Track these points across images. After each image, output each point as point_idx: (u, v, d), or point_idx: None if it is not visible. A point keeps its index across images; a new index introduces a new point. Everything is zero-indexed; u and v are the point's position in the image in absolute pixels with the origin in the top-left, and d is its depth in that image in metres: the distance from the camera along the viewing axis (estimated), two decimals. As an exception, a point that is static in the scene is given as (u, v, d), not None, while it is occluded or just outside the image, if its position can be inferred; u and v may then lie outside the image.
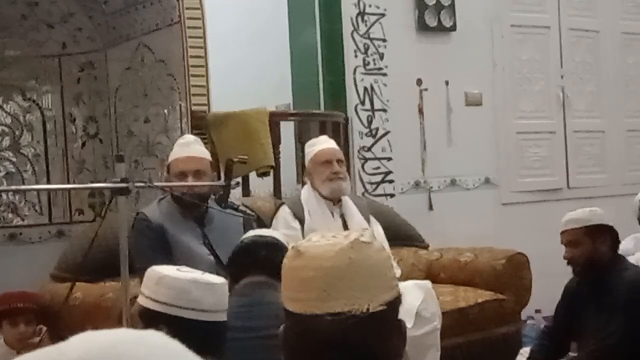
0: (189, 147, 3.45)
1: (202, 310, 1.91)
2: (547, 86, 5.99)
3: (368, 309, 1.27)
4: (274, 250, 2.63)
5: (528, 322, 4.85)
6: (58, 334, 3.29)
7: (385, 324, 1.30)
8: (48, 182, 5.20)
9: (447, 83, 5.53)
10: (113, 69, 5.11)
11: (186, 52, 4.41)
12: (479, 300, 4.15)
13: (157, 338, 0.62)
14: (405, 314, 3.64)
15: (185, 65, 4.42)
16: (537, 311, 4.86)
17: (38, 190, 5.20)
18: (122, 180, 2.57)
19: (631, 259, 3.87)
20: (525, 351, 3.57)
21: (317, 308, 1.28)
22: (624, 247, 4.23)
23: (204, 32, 4.50)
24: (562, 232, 3.27)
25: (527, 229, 5.44)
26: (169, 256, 3.26)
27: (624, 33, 6.35)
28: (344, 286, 1.28)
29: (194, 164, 3.37)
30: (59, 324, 3.43)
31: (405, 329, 1.36)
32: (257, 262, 2.56)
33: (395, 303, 1.33)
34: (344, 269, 1.29)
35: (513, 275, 4.28)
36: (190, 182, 3.30)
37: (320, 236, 1.37)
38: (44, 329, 3.54)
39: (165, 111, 4.66)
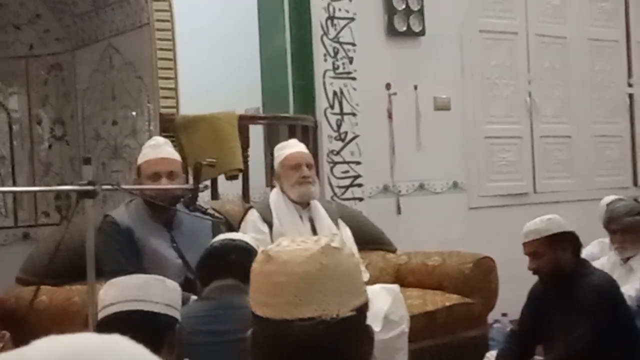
0: (161, 149, 3.43)
1: (152, 301, 1.90)
2: (516, 91, 6.04)
3: (338, 315, 1.28)
4: (244, 253, 2.63)
5: (495, 325, 4.87)
6: (23, 339, 3.24)
7: (354, 330, 1.31)
8: (14, 184, 5.14)
9: (416, 88, 5.55)
10: (81, 71, 5.08)
11: (155, 55, 4.40)
12: (447, 304, 4.17)
13: (121, 342, 0.62)
14: (373, 318, 3.67)
15: (154, 67, 4.40)
16: (504, 315, 4.88)
17: (3, 192, 5.14)
18: (89, 183, 2.55)
19: (596, 264, 3.91)
20: (491, 354, 3.58)
21: (288, 313, 1.28)
22: (590, 251, 4.28)
23: (173, 35, 4.48)
24: (524, 244, 3.28)
25: (495, 233, 5.48)
26: (137, 259, 3.24)
27: (591, 39, 6.43)
28: (315, 291, 1.28)
29: (167, 165, 3.35)
30: (25, 328, 3.39)
31: (373, 334, 1.36)
32: (227, 265, 2.55)
33: (363, 309, 1.34)
34: (315, 274, 1.29)
35: (480, 279, 4.31)
36: (164, 183, 3.28)
37: (290, 241, 1.37)
38: (7, 334, 3.49)
39: (134, 113, 4.64)
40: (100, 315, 1.90)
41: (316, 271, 1.29)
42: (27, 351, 0.58)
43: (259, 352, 1.33)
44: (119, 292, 1.89)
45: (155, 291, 1.90)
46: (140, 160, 3.41)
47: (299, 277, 1.29)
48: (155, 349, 1.77)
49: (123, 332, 1.83)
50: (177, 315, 1.94)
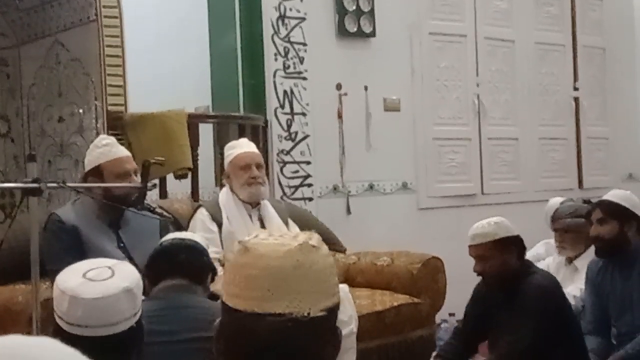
0: (119, 148, 3.43)
1: (120, 321, 1.85)
2: (464, 94, 6.10)
3: (309, 314, 1.27)
4: (194, 253, 2.61)
5: (442, 325, 4.92)
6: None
7: (323, 330, 1.30)
8: (-44, 181, 5.03)
9: (366, 88, 5.57)
10: (27, 67, 4.99)
11: (103, 51, 4.34)
12: (395, 304, 4.19)
13: (50, 343, 0.61)
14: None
15: (102, 64, 4.34)
16: (451, 314, 4.93)
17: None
18: (34, 181, 2.51)
19: (542, 264, 3.98)
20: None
21: (258, 307, 1.27)
22: (535, 252, 4.34)
23: (122, 31, 4.43)
24: (470, 247, 3.30)
25: (443, 234, 5.53)
26: (83, 259, 3.19)
27: (538, 43, 6.52)
28: (288, 288, 1.27)
29: (132, 163, 3.35)
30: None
31: (341, 336, 1.36)
32: (176, 265, 2.52)
33: (334, 310, 1.33)
34: (290, 270, 1.28)
35: (428, 279, 4.34)
36: (134, 180, 3.25)
37: (267, 234, 1.36)
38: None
39: (81, 111, 4.57)
40: (65, 327, 1.85)
41: (291, 268, 1.28)
42: None
43: (224, 343, 1.32)
44: (86, 314, 1.83)
45: (121, 306, 1.85)
46: (103, 159, 3.34)
47: (273, 271, 1.28)
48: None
49: (94, 354, 1.80)
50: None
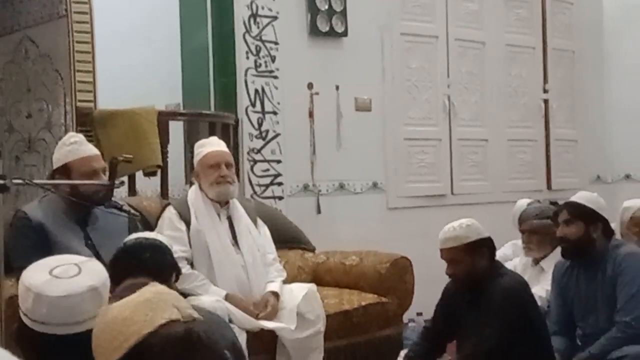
0: (87, 146, 3.41)
1: (84, 320, 1.84)
2: (435, 95, 6.13)
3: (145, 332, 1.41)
4: (158, 252, 2.60)
5: (410, 324, 4.95)
6: None
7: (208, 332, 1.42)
8: None
9: (337, 88, 5.58)
10: (-5, 62, 4.94)
11: (72, 47, 4.31)
12: (363, 303, 4.21)
13: None
14: (287, 316, 3.67)
15: (71, 60, 4.31)
16: (419, 314, 4.96)
17: None
18: (0, 177, 2.49)
19: (509, 265, 4.01)
20: (405, 353, 3.63)
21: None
22: (503, 253, 4.38)
23: (92, 28, 4.40)
24: (442, 250, 3.32)
25: (412, 234, 5.55)
26: (49, 256, 3.16)
27: (508, 45, 6.57)
28: (161, 305, 1.43)
29: (101, 162, 3.34)
30: None
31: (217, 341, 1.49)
32: (141, 264, 2.51)
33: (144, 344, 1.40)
34: (144, 301, 1.47)
35: (396, 278, 4.36)
36: (102, 179, 3.23)
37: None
38: None
39: (49, 107, 4.53)
40: (30, 324, 1.84)
41: (121, 310, 1.51)
42: None
43: None
44: (50, 312, 1.82)
45: (85, 306, 1.84)
46: (71, 157, 3.32)
47: (139, 304, 1.47)
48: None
49: (57, 352, 1.79)
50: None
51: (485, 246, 3.30)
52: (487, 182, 6.39)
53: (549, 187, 6.77)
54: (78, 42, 4.32)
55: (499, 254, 3.91)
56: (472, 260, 3.26)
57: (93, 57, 4.39)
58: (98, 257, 3.23)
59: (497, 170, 6.45)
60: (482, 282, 3.26)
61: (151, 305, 1.40)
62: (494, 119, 6.46)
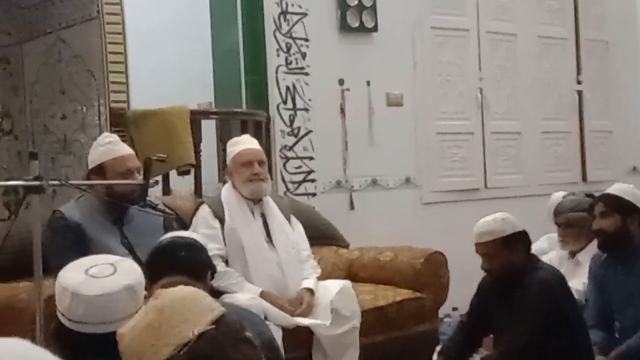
0: (122, 146, 3.44)
1: (120, 319, 1.86)
2: (467, 88, 6.09)
3: (194, 333, 1.37)
4: (193, 250, 2.62)
5: (445, 320, 4.93)
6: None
7: (222, 341, 1.39)
8: (-40, 179, 5.04)
9: (368, 83, 5.57)
10: (29, 64, 4.99)
11: (105, 48, 4.34)
12: (398, 299, 4.20)
13: (14, 343, 0.62)
14: (322, 312, 3.68)
15: (104, 61, 4.34)
16: (455, 309, 4.93)
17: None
18: (36, 178, 2.51)
19: (545, 258, 3.98)
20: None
21: None
22: (539, 246, 4.34)
23: (124, 28, 4.43)
24: (477, 244, 3.30)
25: (446, 228, 5.53)
26: (86, 256, 3.19)
27: (540, 37, 6.51)
28: (165, 331, 1.40)
29: (135, 161, 3.36)
30: (-30, 325, 3.33)
31: (245, 336, 1.47)
32: (176, 263, 2.53)
33: (224, 321, 1.43)
34: (157, 318, 1.42)
35: (431, 273, 4.34)
36: (137, 178, 3.26)
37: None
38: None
39: (84, 108, 4.57)
40: (67, 323, 1.86)
41: (157, 315, 1.44)
42: None
43: None
44: (87, 311, 1.84)
45: (121, 305, 1.85)
46: (105, 157, 3.36)
47: (147, 329, 1.44)
48: None
49: (95, 351, 1.80)
50: None
51: (521, 240, 3.28)
52: (521, 176, 6.34)
53: (584, 179, 6.70)
54: (110, 42, 4.35)
55: (535, 248, 3.87)
56: (508, 255, 3.24)
57: (125, 58, 4.42)
58: (134, 256, 3.26)
59: (532, 164, 6.40)
60: (518, 276, 3.24)
61: (156, 332, 1.43)
62: (528, 111, 6.41)
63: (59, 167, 4.75)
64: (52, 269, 2.80)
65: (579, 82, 6.72)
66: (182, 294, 1.45)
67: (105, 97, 4.37)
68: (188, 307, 1.41)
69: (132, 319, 1.50)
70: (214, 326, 1.37)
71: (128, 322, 1.85)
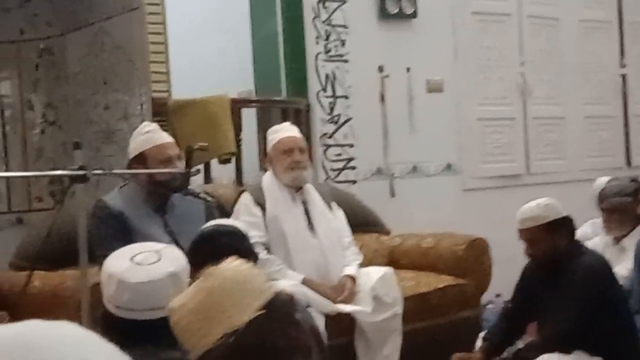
0: (161, 134, 3.46)
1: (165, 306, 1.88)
2: (508, 73, 6.03)
3: (244, 320, 1.35)
4: (235, 238, 2.64)
5: (488, 306, 4.91)
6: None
7: (272, 325, 1.38)
8: (6, 169, 5.12)
9: (408, 70, 5.54)
10: (72, 55, 5.04)
11: (146, 38, 4.37)
12: (440, 285, 4.19)
13: (68, 327, 0.63)
14: (364, 299, 3.68)
15: (146, 51, 4.38)
16: (497, 295, 4.91)
17: (-4, 178, 5.12)
18: (80, 168, 2.55)
19: (589, 244, 3.93)
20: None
21: (204, 345, 1.38)
22: (582, 232, 4.29)
23: (164, 19, 4.47)
24: (520, 230, 3.28)
25: (488, 215, 5.49)
26: (130, 244, 3.23)
27: (582, 21, 6.42)
28: (214, 315, 1.38)
29: (175, 149, 3.38)
30: (18, 313, 3.39)
31: (295, 319, 1.45)
32: (218, 250, 2.54)
33: (275, 303, 1.41)
34: (206, 301, 1.40)
35: (474, 260, 4.32)
36: (177, 166, 3.29)
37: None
38: (6, 316, 3.49)
39: (126, 98, 4.61)
40: (113, 310, 1.89)
41: (206, 298, 1.39)
42: None
43: None
44: (132, 297, 1.87)
45: (165, 292, 1.88)
46: (146, 146, 3.38)
47: (196, 311, 1.42)
48: (171, 345, 1.76)
49: (141, 337, 1.81)
50: None
51: (565, 225, 3.25)
52: (564, 161, 6.27)
53: (628, 164, 6.60)
54: (151, 33, 4.39)
55: (579, 233, 3.84)
56: (552, 240, 3.21)
57: (166, 48, 4.46)
58: (176, 243, 3.28)
59: (574, 149, 6.32)
60: (562, 261, 3.21)
61: (205, 315, 1.42)
62: (570, 96, 6.33)
63: (102, 156, 4.80)
64: (96, 258, 2.85)
65: (622, 66, 6.62)
66: (234, 275, 1.43)
67: (147, 87, 4.41)
68: (239, 290, 1.39)
69: (183, 293, 1.48)
70: (264, 311, 1.37)
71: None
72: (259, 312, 1.38)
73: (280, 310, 1.44)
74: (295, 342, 1.41)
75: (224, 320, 1.38)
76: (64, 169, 2.71)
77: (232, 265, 1.47)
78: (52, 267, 3.61)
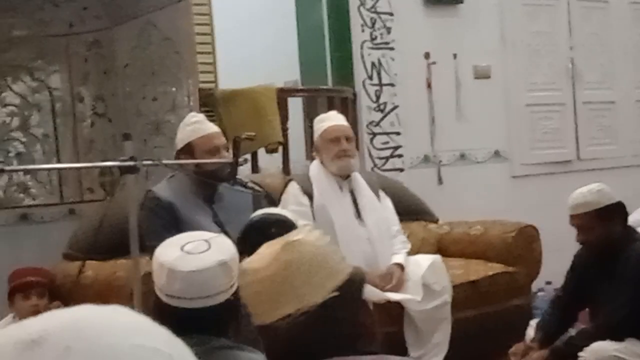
0: (208, 124, 3.48)
1: (216, 293, 1.90)
2: (557, 58, 5.95)
3: (317, 302, 1.31)
4: (284, 227, 2.64)
5: (539, 294, 4.85)
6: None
7: (343, 308, 1.34)
8: (58, 161, 5.21)
9: (455, 56, 5.49)
10: (120, 48, 5.10)
11: (193, 30, 4.40)
12: (490, 273, 4.16)
13: (122, 312, 0.63)
14: (413, 287, 3.67)
15: (192, 42, 4.41)
16: (548, 283, 4.85)
17: (48, 170, 5.22)
18: (130, 159, 2.58)
19: (641, 230, 3.87)
20: (535, 323, 3.57)
21: (271, 317, 1.34)
22: (635, 218, 4.22)
23: (210, 9, 4.49)
24: (572, 216, 3.23)
25: (538, 202, 5.44)
26: (179, 234, 3.27)
27: (632, 3, 6.29)
28: (287, 289, 1.34)
29: (222, 138, 3.41)
30: (71, 302, 3.45)
31: (367, 305, 1.41)
32: (267, 239, 2.55)
33: (349, 285, 1.37)
34: (282, 273, 1.35)
35: (523, 247, 4.28)
36: (224, 156, 3.31)
37: (265, 247, 1.44)
38: (60, 306, 3.56)
39: (173, 89, 4.65)
40: (165, 299, 1.91)
41: (282, 270, 1.35)
42: (28, 323, 0.59)
43: (271, 356, 1.39)
44: (183, 286, 1.89)
45: (216, 280, 1.89)
46: (193, 136, 3.40)
47: (269, 281, 1.36)
48: (222, 333, 1.76)
49: (192, 326, 1.81)
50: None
51: (617, 212, 3.20)
52: (615, 146, 6.17)
53: (682, 148, 6.47)
54: (198, 24, 4.42)
55: (631, 220, 3.77)
56: (604, 226, 3.16)
57: (213, 39, 4.48)
58: (225, 233, 3.31)
59: (626, 134, 6.21)
60: (614, 248, 3.17)
61: (278, 288, 1.38)
62: (622, 80, 6.21)
63: (151, 148, 4.85)
64: (147, 248, 2.88)
65: (675, 48, 6.48)
66: (312, 252, 1.39)
67: (194, 78, 4.44)
68: (315, 268, 1.36)
69: (258, 256, 1.45)
70: (337, 293, 1.34)
71: (223, 296, 1.88)
72: (333, 294, 1.35)
73: (354, 293, 1.41)
74: (362, 329, 1.39)
75: (295, 297, 1.35)
76: (113, 160, 2.75)
77: (312, 238, 1.42)
78: (104, 257, 3.67)
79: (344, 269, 1.38)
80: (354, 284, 1.38)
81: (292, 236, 1.38)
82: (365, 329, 1.38)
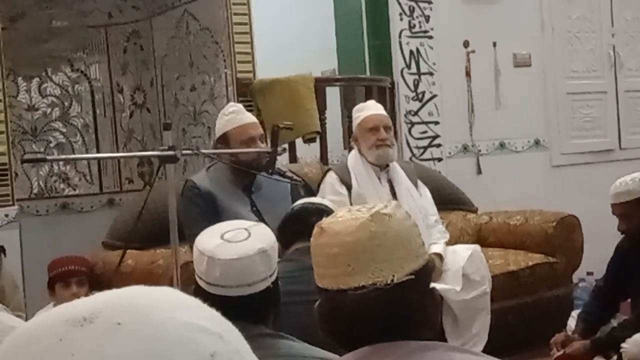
0: (245, 114, 3.48)
1: (256, 282, 1.90)
2: (598, 45, 5.86)
3: (392, 280, 1.29)
4: (324, 216, 2.64)
5: (580, 284, 4.80)
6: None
7: (414, 293, 1.32)
8: (98, 151, 5.26)
9: (494, 44, 5.44)
10: (158, 38, 5.13)
11: (230, 19, 4.41)
12: (530, 264, 4.13)
13: (170, 291, 0.64)
14: (453, 278, 3.65)
15: (230, 32, 4.41)
16: (589, 273, 4.80)
17: (88, 160, 5.27)
18: (170, 148, 2.59)
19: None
20: (577, 313, 3.54)
21: (342, 283, 1.31)
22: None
23: (248, -1, 4.48)
24: (613, 205, 3.20)
25: (578, 191, 5.37)
26: (218, 223, 3.28)
27: (677, -12, 6.18)
28: (366, 260, 1.30)
29: (257, 129, 3.41)
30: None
31: (438, 296, 1.37)
32: (307, 228, 2.54)
33: (424, 271, 1.34)
34: (365, 242, 1.31)
35: (564, 237, 4.24)
36: (259, 146, 3.31)
37: (346, 211, 1.39)
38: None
39: (212, 79, 4.67)
40: (205, 286, 1.92)
41: (366, 239, 1.31)
42: (77, 302, 0.60)
43: (323, 323, 1.36)
44: (223, 274, 1.90)
45: (257, 267, 1.90)
46: (229, 126, 3.40)
47: (350, 246, 1.31)
48: (261, 321, 1.76)
49: (232, 313, 1.83)
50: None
51: (659, 200, 3.15)
52: (658, 135, 6.07)
53: None
54: (235, 13, 4.42)
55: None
56: (646, 216, 3.12)
57: (250, 28, 4.48)
58: (263, 222, 3.31)
59: (669, 122, 6.11)
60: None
61: (356, 256, 1.34)
62: (664, 67, 6.11)
63: (190, 137, 4.88)
64: (186, 237, 2.90)
65: None
66: (400, 230, 1.36)
67: (232, 67, 4.45)
68: (398, 247, 1.33)
69: (343, 213, 1.41)
70: (412, 276, 1.32)
71: (263, 284, 1.88)
72: (408, 277, 1.33)
73: (427, 280, 1.38)
74: (425, 317, 1.37)
75: (371, 270, 1.32)
76: (153, 149, 2.76)
77: (400, 215, 1.39)
78: (143, 246, 3.70)
79: (423, 253, 1.36)
80: (429, 271, 1.36)
81: (383, 206, 1.35)
82: (430, 318, 1.36)
